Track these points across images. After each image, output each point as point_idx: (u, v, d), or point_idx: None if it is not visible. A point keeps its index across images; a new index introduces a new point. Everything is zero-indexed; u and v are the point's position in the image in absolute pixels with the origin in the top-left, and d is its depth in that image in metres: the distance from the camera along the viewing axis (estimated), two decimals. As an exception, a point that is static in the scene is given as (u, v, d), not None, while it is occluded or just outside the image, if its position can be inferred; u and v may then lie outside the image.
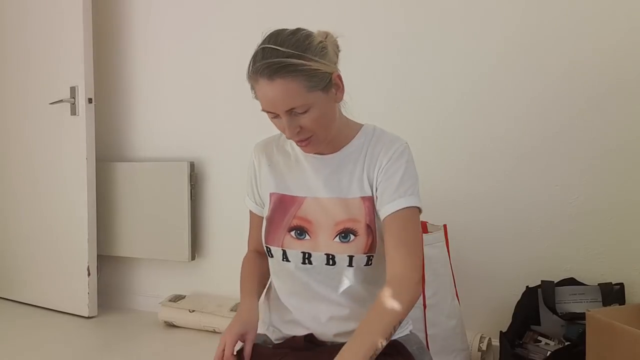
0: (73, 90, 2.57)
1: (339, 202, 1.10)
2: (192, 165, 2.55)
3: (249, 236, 1.29)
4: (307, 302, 1.11)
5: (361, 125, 1.17)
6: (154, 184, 2.58)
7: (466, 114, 2.06)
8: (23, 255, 2.85)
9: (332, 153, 1.13)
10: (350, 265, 1.08)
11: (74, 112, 2.58)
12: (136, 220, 2.66)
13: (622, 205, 1.86)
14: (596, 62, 1.88)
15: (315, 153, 1.14)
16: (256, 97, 1.06)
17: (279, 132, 1.22)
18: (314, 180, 1.13)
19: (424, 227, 1.83)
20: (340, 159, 1.13)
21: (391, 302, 0.99)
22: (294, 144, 1.15)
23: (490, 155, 2.03)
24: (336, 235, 1.08)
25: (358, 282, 1.09)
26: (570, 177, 1.92)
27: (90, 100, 2.57)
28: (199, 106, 2.60)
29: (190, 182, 2.54)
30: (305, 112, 1.01)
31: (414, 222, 1.06)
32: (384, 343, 0.95)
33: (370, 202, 1.09)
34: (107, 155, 2.80)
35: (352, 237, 1.07)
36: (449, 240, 1.80)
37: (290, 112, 1.01)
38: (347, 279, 1.10)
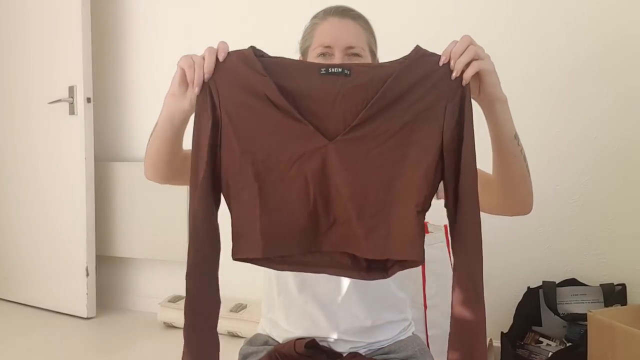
0: (71, 89, 2.56)
1: None
2: (191, 165, 2.54)
3: None
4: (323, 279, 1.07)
5: None
6: (153, 184, 2.54)
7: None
8: (21, 256, 2.83)
9: None
10: None
11: (72, 111, 2.57)
12: (135, 221, 2.65)
13: (624, 205, 1.85)
14: (597, 62, 1.87)
15: None
16: (305, 44, 1.09)
17: None
18: None
19: (425, 228, 1.82)
20: None
21: None
22: None
23: (491, 155, 2.02)
24: None
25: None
26: (571, 178, 1.91)
27: (88, 100, 2.56)
28: (198, 106, 2.59)
29: (190, 182, 2.52)
30: (359, 55, 1.05)
31: None
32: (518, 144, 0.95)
33: None
34: (105, 155, 2.78)
35: None
36: (449, 242, 1.79)
37: (348, 50, 1.04)
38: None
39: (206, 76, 0.84)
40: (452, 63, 0.82)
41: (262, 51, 0.86)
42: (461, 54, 0.81)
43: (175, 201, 2.53)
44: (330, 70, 0.82)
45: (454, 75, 0.82)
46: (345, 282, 1.07)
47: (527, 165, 0.96)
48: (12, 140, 2.85)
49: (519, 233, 1.97)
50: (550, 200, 1.93)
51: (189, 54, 0.88)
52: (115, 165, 2.69)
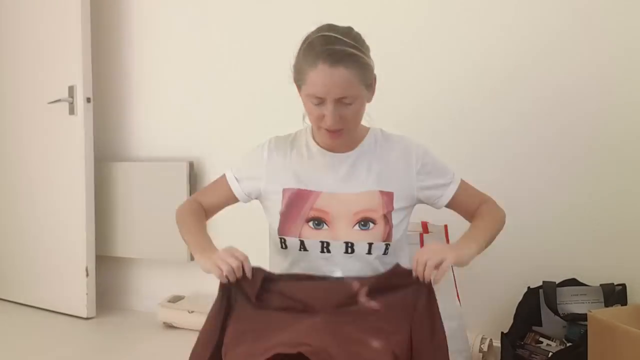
0: (71, 89, 2.56)
1: (356, 195, 1.15)
2: (191, 165, 2.54)
3: (202, 193, 1.41)
4: None
5: (369, 128, 1.24)
6: (153, 184, 2.56)
7: (467, 114, 2.05)
8: (21, 256, 2.83)
9: (347, 152, 1.19)
10: (369, 252, 1.13)
11: (72, 111, 2.57)
12: (135, 221, 2.65)
13: (624, 205, 1.85)
14: (597, 62, 1.87)
15: (330, 150, 1.20)
16: (297, 82, 1.11)
17: (288, 132, 1.29)
18: (331, 177, 1.18)
19: (425, 227, 1.82)
20: (357, 157, 1.19)
21: (496, 209, 1.28)
22: (309, 142, 1.22)
23: (491, 155, 2.02)
24: (356, 224, 1.12)
25: (375, 271, 1.13)
26: (572, 177, 1.91)
27: (88, 100, 2.55)
28: (199, 106, 2.59)
29: (190, 182, 2.52)
30: (351, 103, 1.07)
31: (466, 186, 1.30)
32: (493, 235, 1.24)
33: (388, 197, 1.14)
34: (105, 155, 2.78)
35: (371, 225, 1.12)
36: (450, 241, 1.79)
37: (340, 100, 1.05)
38: (366, 268, 1.12)
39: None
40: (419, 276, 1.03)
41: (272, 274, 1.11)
42: (423, 271, 1.02)
43: (175, 201, 2.52)
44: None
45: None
46: (364, 256, 1.15)
47: (498, 228, 1.30)
48: (11, 140, 2.84)
49: (519, 232, 1.97)
50: (550, 200, 1.93)
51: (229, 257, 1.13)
52: (115, 165, 2.68)
